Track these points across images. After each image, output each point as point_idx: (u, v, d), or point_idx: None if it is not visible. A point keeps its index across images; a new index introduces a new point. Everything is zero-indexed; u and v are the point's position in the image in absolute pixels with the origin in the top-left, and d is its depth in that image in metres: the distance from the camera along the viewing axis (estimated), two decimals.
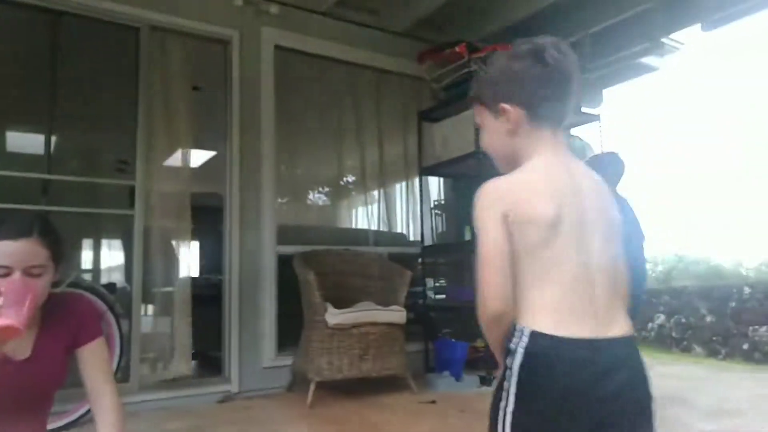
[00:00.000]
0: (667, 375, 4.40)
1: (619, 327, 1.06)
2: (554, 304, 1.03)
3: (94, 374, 1.50)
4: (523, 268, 1.05)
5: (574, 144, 4.59)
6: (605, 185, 1.17)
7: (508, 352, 1.04)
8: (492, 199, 1.09)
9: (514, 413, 1.02)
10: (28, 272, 1.35)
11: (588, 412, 1.01)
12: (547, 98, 1.12)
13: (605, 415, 1.03)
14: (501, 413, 1.04)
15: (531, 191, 1.07)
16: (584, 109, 4.76)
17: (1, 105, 3.67)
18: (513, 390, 1.02)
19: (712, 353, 5.55)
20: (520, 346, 1.02)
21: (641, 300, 3.45)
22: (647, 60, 5.16)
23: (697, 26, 4.47)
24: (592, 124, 4.85)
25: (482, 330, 1.10)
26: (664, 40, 4.88)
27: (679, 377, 4.36)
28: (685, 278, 7.25)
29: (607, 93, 5.71)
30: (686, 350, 5.83)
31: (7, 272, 1.33)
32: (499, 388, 1.05)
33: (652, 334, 6.22)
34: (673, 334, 6.03)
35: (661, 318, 6.20)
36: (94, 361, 1.51)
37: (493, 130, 1.18)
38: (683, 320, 5.97)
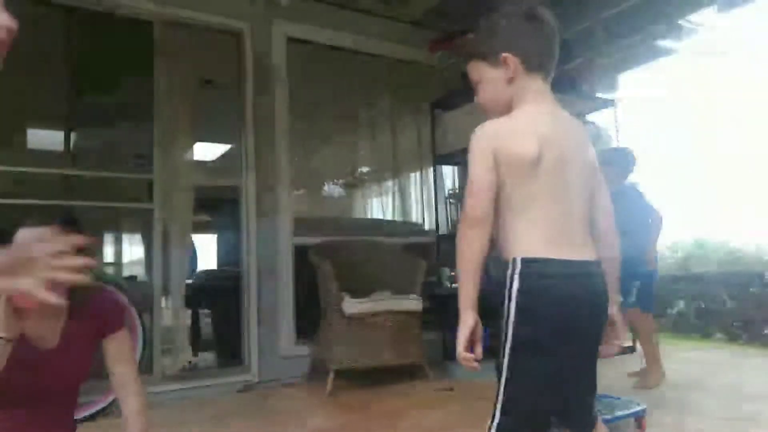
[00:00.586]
0: (686, 360, 4.37)
1: (588, 252, 1.24)
2: (538, 231, 1.20)
3: (119, 364, 1.55)
4: (509, 201, 1.20)
5: (588, 130, 4.54)
6: (585, 131, 1.35)
7: (503, 284, 1.20)
8: (483, 139, 1.22)
9: (517, 330, 1.17)
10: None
11: (575, 315, 1.20)
12: (540, 50, 1.28)
13: (585, 316, 1.22)
14: (504, 334, 1.20)
15: (517, 132, 1.22)
16: (599, 95, 4.71)
17: (21, 103, 3.73)
18: (513, 309, 1.18)
19: (733, 339, 5.49)
20: (515, 272, 1.19)
21: (645, 277, 3.44)
22: (664, 43, 5.07)
23: (713, 7, 4.39)
24: (607, 110, 4.79)
25: (459, 249, 1.23)
26: (680, 21, 4.79)
27: (699, 362, 4.32)
28: (704, 264, 7.16)
29: (623, 78, 5.64)
30: (706, 336, 5.77)
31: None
32: (499, 314, 1.21)
33: (672, 320, 6.17)
34: (693, 320, 5.97)
35: (680, 304, 6.14)
36: (119, 351, 1.56)
37: (492, 79, 1.29)
38: (703, 306, 5.91)
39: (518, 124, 1.24)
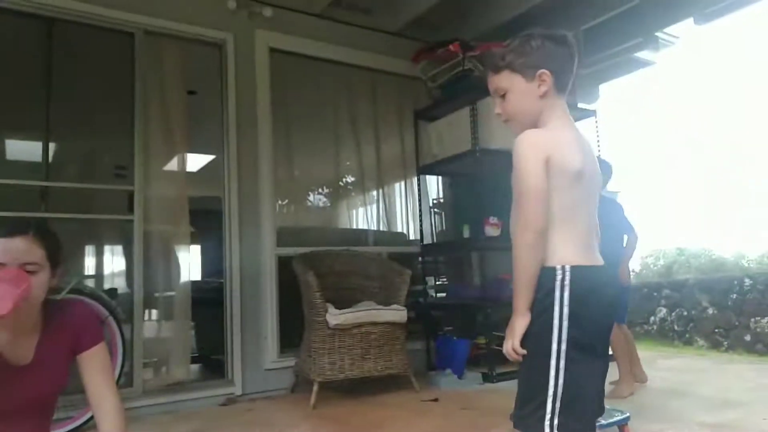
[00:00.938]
0: (669, 368, 4.41)
1: (598, 258, 1.36)
2: (576, 239, 1.31)
3: (95, 380, 1.51)
4: (551, 209, 1.28)
5: None
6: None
7: (551, 290, 1.27)
8: (535, 145, 1.30)
9: (569, 333, 1.26)
10: (23, 269, 1.36)
11: (608, 316, 1.37)
12: (567, 72, 1.39)
13: (611, 316, 1.39)
14: (555, 336, 1.27)
15: (565, 144, 1.32)
16: (580, 105, 4.77)
17: None
18: (566, 314, 1.26)
19: (715, 345, 5.56)
20: (565, 279, 1.27)
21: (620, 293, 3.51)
22: (642, 54, 5.17)
23: (690, 20, 4.48)
24: (588, 120, 4.86)
25: (520, 256, 1.29)
26: (658, 34, 4.90)
27: (681, 370, 4.36)
28: (686, 271, 7.26)
29: (603, 88, 5.73)
30: (688, 343, 5.84)
31: (1, 268, 1.34)
32: (545, 319, 1.27)
33: (654, 327, 6.23)
34: (675, 327, 6.03)
35: (662, 311, 6.21)
36: (95, 366, 1.52)
37: (525, 92, 1.36)
38: (685, 313, 5.98)
39: (562, 136, 1.34)
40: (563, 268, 1.27)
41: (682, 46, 5.21)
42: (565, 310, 1.26)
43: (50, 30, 3.56)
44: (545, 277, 1.27)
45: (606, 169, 3.59)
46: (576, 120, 5.00)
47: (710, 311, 5.72)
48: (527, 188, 1.27)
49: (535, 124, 1.36)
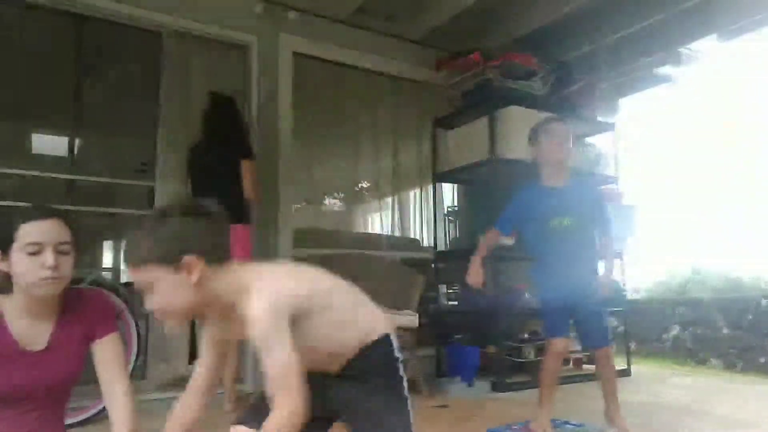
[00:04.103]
0: (682, 386, 4.36)
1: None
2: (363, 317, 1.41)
3: (107, 369, 1.52)
4: (332, 318, 1.31)
5: (587, 153, 4.59)
6: None
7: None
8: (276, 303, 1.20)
9: None
10: (58, 249, 1.39)
11: None
12: (222, 243, 1.27)
13: None
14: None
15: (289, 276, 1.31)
16: (600, 118, 4.77)
17: (27, 108, 3.78)
18: None
19: (729, 366, 5.48)
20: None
21: None
22: (664, 70, 5.15)
23: (714, 36, 4.47)
24: (607, 133, 4.85)
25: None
26: (681, 50, 4.88)
27: (695, 389, 4.31)
28: (701, 290, 7.16)
29: (624, 102, 5.71)
30: (702, 362, 5.76)
31: (39, 249, 1.37)
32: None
33: (667, 344, 6.16)
34: (689, 346, 5.96)
35: (676, 329, 6.14)
36: (109, 355, 1.53)
37: (175, 285, 1.19)
38: (699, 332, 5.90)
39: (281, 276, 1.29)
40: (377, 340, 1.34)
41: (705, 63, 5.18)
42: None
43: (81, 27, 3.65)
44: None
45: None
46: (595, 133, 4.98)
47: (725, 331, 5.64)
48: (282, 364, 1.15)
49: (202, 311, 1.26)
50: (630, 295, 5.68)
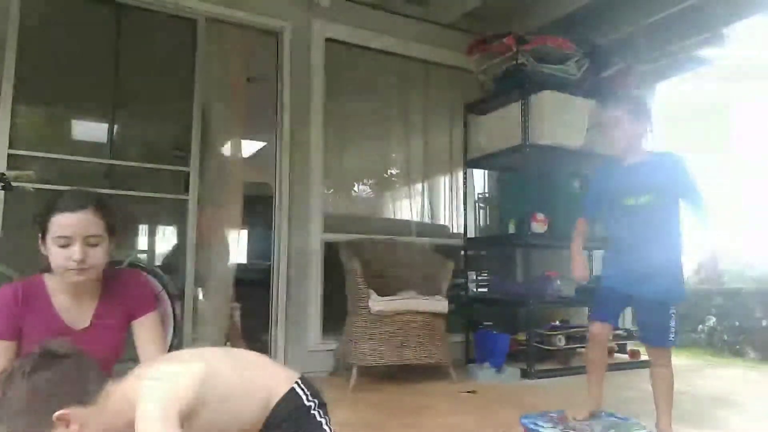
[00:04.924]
0: (717, 377, 4.28)
1: None
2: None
3: (147, 346, 1.57)
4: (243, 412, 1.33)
5: None
6: None
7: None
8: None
9: None
10: (87, 242, 1.43)
11: None
12: (87, 376, 1.19)
13: None
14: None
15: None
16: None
17: (68, 96, 3.88)
18: None
19: (766, 358, 5.34)
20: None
21: None
22: (705, 52, 4.97)
23: (759, 17, 4.29)
24: None
25: None
26: (724, 30, 4.70)
27: (730, 380, 4.22)
28: (739, 280, 6.97)
29: (661, 86, 5.54)
30: (738, 354, 5.62)
31: (68, 242, 1.42)
32: None
33: (702, 336, 6.03)
34: (725, 337, 5.82)
35: (712, 320, 6.00)
36: (148, 333, 1.59)
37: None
38: (737, 323, 5.75)
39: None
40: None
41: (751, 44, 4.98)
42: None
43: (119, 15, 3.73)
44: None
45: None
46: None
47: (764, 323, 5.49)
48: None
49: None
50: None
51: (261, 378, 1.39)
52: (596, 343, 2.49)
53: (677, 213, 2.36)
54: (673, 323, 2.31)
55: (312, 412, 1.39)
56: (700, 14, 4.36)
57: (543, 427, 2.41)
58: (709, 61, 5.11)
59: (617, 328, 4.30)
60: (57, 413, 1.09)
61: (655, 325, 2.36)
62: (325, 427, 1.41)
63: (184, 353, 1.44)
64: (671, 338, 2.32)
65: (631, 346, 4.68)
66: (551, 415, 2.54)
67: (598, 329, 2.47)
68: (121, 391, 1.21)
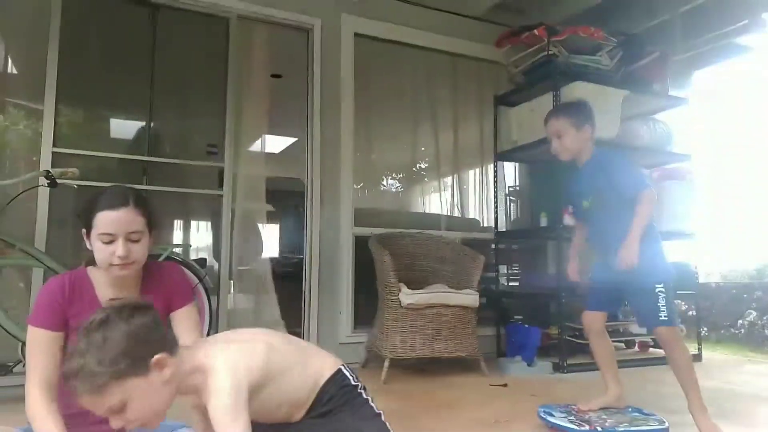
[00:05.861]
0: (757, 374, 4.16)
1: None
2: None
3: (185, 336, 1.59)
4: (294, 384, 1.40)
5: (656, 129, 4.39)
6: None
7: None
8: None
9: None
10: (129, 238, 1.49)
11: None
12: (158, 338, 1.24)
13: None
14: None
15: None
16: (672, 93, 4.54)
17: (107, 94, 4.01)
18: None
19: None
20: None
21: None
22: (744, 39, 4.82)
23: None
24: (680, 108, 4.62)
25: None
26: (765, 16, 4.54)
27: None
28: None
29: (698, 75, 5.39)
30: None
31: (112, 239, 1.48)
32: None
33: (742, 331, 5.87)
34: (767, 332, 5.66)
35: (752, 314, 5.83)
36: (186, 324, 1.63)
37: (148, 389, 1.18)
38: None
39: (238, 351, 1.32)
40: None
41: None
42: None
43: (155, 15, 3.83)
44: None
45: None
46: (666, 108, 4.73)
47: None
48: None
49: (172, 393, 1.23)
50: (702, 279, 5.43)
51: (313, 357, 1.46)
52: (591, 333, 2.59)
53: (631, 206, 2.34)
54: (662, 302, 2.31)
55: (359, 390, 1.46)
56: (738, 0, 4.23)
57: (556, 416, 2.41)
58: (750, 48, 4.95)
59: (615, 317, 4.32)
60: (156, 356, 1.18)
61: (644, 309, 2.40)
62: (371, 404, 1.47)
63: (245, 332, 1.48)
64: (663, 318, 2.31)
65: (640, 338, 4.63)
66: (571, 406, 2.54)
67: (589, 318, 2.59)
68: (197, 354, 1.29)
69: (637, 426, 2.30)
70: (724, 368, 4.23)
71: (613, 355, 2.63)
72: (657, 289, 2.33)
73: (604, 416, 2.43)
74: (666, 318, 2.31)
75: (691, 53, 4.84)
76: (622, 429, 2.27)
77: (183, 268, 3.16)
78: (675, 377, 2.36)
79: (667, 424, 2.32)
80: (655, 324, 2.34)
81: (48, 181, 2.69)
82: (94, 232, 1.50)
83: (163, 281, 1.65)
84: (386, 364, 3.44)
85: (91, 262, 1.58)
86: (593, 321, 2.58)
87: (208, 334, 3.40)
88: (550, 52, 4.12)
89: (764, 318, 5.71)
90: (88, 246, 1.54)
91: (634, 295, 2.46)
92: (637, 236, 2.26)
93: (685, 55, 4.79)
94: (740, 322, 5.92)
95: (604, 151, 2.60)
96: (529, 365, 3.82)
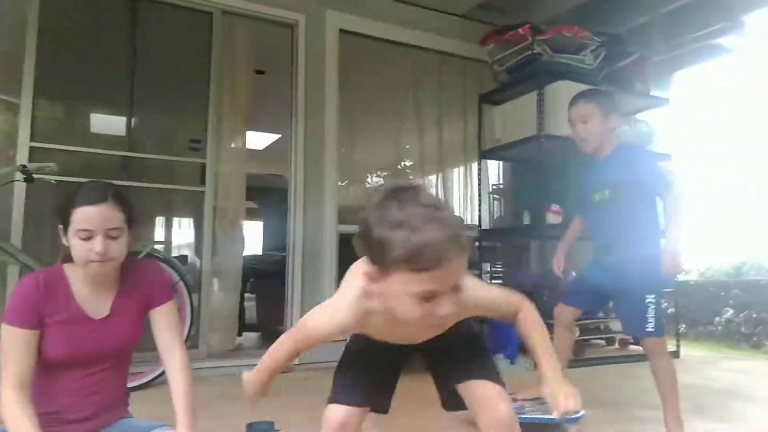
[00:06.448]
0: (733, 369, 4.24)
1: None
2: None
3: (165, 334, 1.59)
4: None
5: (639, 129, 4.44)
6: None
7: None
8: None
9: None
10: (108, 234, 1.45)
11: None
12: None
13: None
14: None
15: None
16: (653, 93, 4.60)
17: (87, 88, 3.94)
18: None
19: None
20: None
21: None
22: (725, 40, 4.89)
23: None
24: (660, 109, 4.67)
25: None
26: (744, 17, 4.61)
27: (746, 372, 4.18)
28: (758, 272, 6.88)
29: (679, 76, 5.46)
30: (756, 346, 5.56)
31: (90, 235, 1.44)
32: None
33: (719, 328, 5.97)
34: (743, 329, 5.76)
35: (729, 312, 5.94)
36: (166, 322, 1.60)
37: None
38: (754, 315, 5.69)
39: None
40: None
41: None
42: None
43: (136, 9, 3.77)
44: None
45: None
46: (648, 108, 4.77)
47: None
48: None
49: None
50: (681, 276, 5.52)
51: None
52: (559, 325, 2.56)
53: (649, 205, 2.31)
54: (651, 314, 2.24)
55: None
56: (718, 2, 4.29)
57: None
58: (730, 49, 5.03)
59: (588, 316, 4.28)
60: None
61: (631, 317, 2.33)
62: None
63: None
64: (650, 329, 2.24)
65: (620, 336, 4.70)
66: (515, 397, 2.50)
67: (559, 310, 2.57)
68: None
69: (547, 413, 2.14)
70: (701, 365, 4.30)
71: (569, 352, 2.63)
72: (647, 300, 2.25)
73: (538, 405, 2.38)
74: (653, 329, 2.24)
75: (672, 54, 4.90)
76: (527, 415, 2.27)
77: (163, 265, 3.14)
78: (657, 387, 2.30)
79: (582, 412, 2.12)
80: (642, 334, 2.29)
81: (24, 177, 2.64)
82: (71, 229, 1.46)
83: (141, 279, 1.63)
84: None
85: (68, 259, 1.55)
86: (564, 313, 2.54)
87: (188, 332, 3.37)
88: (534, 51, 4.14)
89: (740, 315, 5.82)
90: (65, 242, 1.51)
91: (623, 301, 2.38)
92: (679, 239, 2.16)
93: (667, 56, 4.85)
94: (717, 319, 6.02)
95: (632, 145, 2.49)
96: (511, 363, 3.85)
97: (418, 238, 1.00)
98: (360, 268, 1.22)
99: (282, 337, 1.40)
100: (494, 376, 1.39)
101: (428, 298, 1.05)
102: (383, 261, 1.05)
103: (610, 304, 2.71)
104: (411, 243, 1.00)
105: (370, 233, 1.07)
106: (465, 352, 1.44)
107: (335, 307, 1.30)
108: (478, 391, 1.37)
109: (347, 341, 1.51)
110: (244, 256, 4.12)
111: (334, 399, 1.40)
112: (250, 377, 1.47)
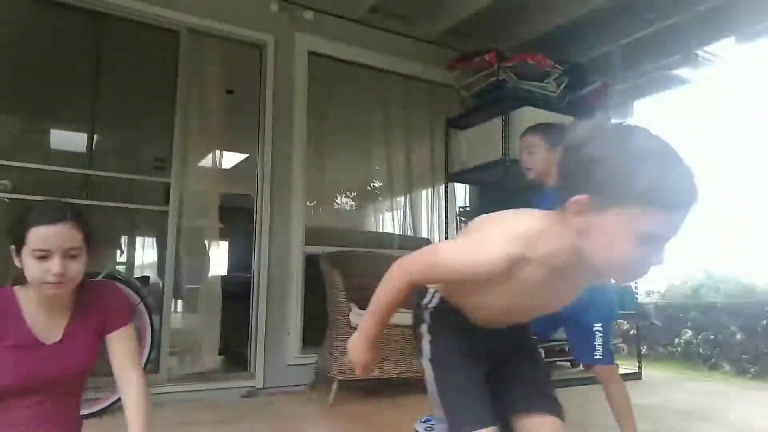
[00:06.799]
0: (693, 391, 4.33)
1: None
2: None
3: (122, 360, 1.54)
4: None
5: None
6: None
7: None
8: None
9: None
10: (66, 254, 1.40)
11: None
12: None
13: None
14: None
15: None
16: (613, 120, 4.74)
17: (46, 104, 3.84)
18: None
19: (742, 372, 5.43)
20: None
21: None
22: (680, 72, 5.11)
23: (732, 39, 4.43)
24: None
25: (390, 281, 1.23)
26: (697, 52, 4.83)
27: (706, 393, 4.28)
28: (714, 295, 7.10)
29: (638, 105, 5.67)
30: (714, 368, 5.71)
31: (46, 255, 1.39)
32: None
33: (679, 349, 6.11)
34: (701, 351, 5.91)
35: (688, 333, 6.09)
36: (123, 347, 1.55)
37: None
38: (712, 337, 5.85)
39: None
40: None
41: (722, 65, 5.13)
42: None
43: (99, 25, 3.71)
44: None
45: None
46: None
47: (738, 336, 5.59)
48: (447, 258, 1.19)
49: None
50: (641, 299, 5.65)
51: None
52: None
53: None
54: (598, 342, 2.29)
55: None
56: (674, 35, 4.49)
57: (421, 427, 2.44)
58: (686, 80, 5.25)
59: (546, 340, 4.27)
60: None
61: (580, 344, 2.38)
62: None
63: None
64: (598, 356, 2.29)
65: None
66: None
67: None
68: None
69: None
70: (662, 386, 4.39)
71: None
72: (594, 328, 2.30)
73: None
74: (600, 357, 2.29)
75: (631, 83, 5.09)
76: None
77: (122, 286, 3.04)
78: (612, 411, 2.33)
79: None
80: (590, 361, 2.33)
81: None
82: (26, 249, 1.41)
83: (98, 301, 1.57)
84: (334, 386, 3.38)
85: (20, 281, 1.48)
86: None
87: (149, 355, 3.26)
88: (500, 78, 4.24)
89: (699, 337, 5.97)
90: (17, 264, 1.45)
91: (572, 328, 2.42)
92: None
93: (626, 85, 5.03)
94: (677, 340, 6.17)
95: None
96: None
97: (674, 173, 0.92)
98: (503, 218, 1.15)
99: (393, 272, 1.20)
100: (558, 410, 1.27)
101: (651, 242, 0.95)
102: (613, 192, 0.93)
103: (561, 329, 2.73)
104: (665, 176, 0.91)
105: (601, 161, 0.95)
106: (532, 370, 1.33)
107: (483, 245, 1.10)
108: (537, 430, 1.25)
109: (431, 357, 1.32)
110: (209, 277, 4.03)
111: (468, 420, 1.18)
112: (358, 338, 1.29)
